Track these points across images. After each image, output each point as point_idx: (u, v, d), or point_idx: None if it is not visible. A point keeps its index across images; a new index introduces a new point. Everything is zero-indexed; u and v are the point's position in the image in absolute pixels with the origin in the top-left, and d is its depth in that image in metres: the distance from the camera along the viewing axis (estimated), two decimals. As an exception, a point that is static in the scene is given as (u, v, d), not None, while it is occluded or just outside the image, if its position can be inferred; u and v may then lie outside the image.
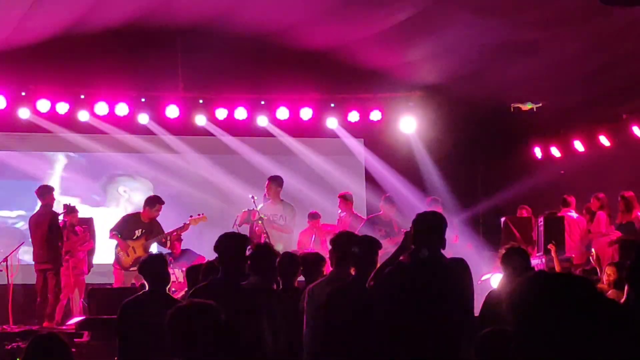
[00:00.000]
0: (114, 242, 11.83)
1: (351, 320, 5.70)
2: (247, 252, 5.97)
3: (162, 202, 11.75)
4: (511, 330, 2.59)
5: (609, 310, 2.64)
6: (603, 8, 9.66)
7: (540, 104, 13.96)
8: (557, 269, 8.80)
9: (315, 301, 5.99)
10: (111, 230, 11.71)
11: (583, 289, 2.55)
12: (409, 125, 15.09)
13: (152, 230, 11.57)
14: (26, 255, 13.78)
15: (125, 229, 11.56)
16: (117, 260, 11.49)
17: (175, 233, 11.70)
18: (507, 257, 6.50)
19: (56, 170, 14.90)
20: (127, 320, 6.46)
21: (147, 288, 6.68)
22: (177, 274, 11.84)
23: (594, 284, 2.65)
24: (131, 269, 11.20)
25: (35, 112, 13.88)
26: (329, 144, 15.32)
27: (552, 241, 8.71)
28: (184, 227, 11.72)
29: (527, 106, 14.09)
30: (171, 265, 10.99)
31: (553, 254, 8.51)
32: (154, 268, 6.58)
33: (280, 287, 6.86)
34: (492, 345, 3.82)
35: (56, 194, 12.41)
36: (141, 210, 11.82)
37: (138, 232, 11.50)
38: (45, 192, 11.95)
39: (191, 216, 11.85)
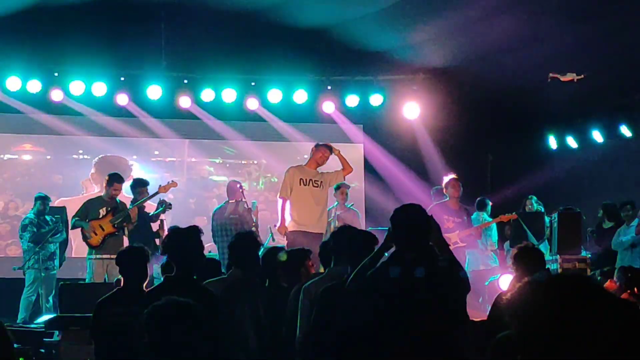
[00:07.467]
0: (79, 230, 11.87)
1: (342, 320, 5.56)
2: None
3: (121, 180, 11.79)
4: (514, 336, 2.60)
5: (618, 310, 2.55)
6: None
7: (583, 76, 13.34)
8: None
9: (310, 299, 5.94)
10: (73, 218, 11.69)
11: (587, 291, 2.51)
12: (413, 110, 15.03)
13: (117, 206, 11.63)
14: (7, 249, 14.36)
15: (89, 212, 11.56)
16: (87, 242, 11.45)
17: (144, 204, 11.80)
18: (520, 257, 6.58)
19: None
20: (102, 320, 6.36)
21: (122, 284, 6.59)
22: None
23: (599, 285, 2.63)
24: (102, 245, 11.35)
25: (5, 90, 13.86)
26: (325, 130, 15.06)
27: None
28: (153, 197, 11.75)
29: (568, 77, 13.39)
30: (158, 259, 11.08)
31: None
32: (131, 261, 6.47)
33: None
34: (509, 350, 3.62)
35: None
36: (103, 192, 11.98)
37: (103, 211, 11.51)
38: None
39: (160, 185, 11.74)
